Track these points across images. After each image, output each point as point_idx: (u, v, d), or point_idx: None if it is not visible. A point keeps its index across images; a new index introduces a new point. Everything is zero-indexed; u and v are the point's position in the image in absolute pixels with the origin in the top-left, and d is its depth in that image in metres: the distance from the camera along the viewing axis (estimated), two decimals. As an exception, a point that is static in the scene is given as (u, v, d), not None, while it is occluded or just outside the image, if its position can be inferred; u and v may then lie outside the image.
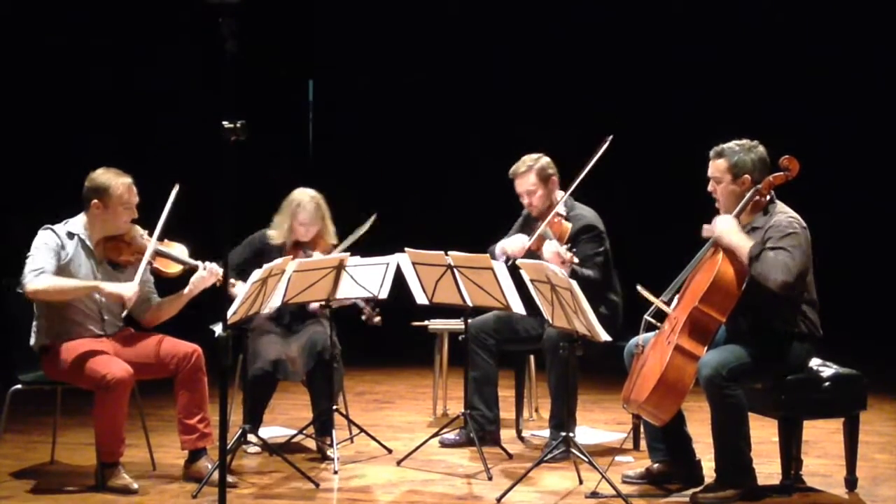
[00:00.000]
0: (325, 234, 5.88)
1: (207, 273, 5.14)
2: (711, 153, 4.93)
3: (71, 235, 5.05)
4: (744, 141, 4.90)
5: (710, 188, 4.94)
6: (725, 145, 4.90)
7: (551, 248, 5.43)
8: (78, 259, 5.04)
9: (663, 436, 5.01)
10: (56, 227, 5.05)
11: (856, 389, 4.90)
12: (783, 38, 9.41)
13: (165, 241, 5.20)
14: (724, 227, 4.77)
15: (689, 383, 4.67)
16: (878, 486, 5.06)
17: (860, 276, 9.11)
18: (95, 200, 5.04)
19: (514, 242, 5.74)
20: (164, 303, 5.26)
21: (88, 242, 5.08)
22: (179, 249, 5.22)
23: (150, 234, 5.12)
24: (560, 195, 5.80)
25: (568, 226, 5.66)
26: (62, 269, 4.97)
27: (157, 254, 5.13)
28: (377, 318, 5.69)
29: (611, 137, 5.52)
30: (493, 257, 5.52)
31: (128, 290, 4.95)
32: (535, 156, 5.80)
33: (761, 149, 4.88)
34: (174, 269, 5.18)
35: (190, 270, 5.18)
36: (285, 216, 5.83)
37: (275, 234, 5.84)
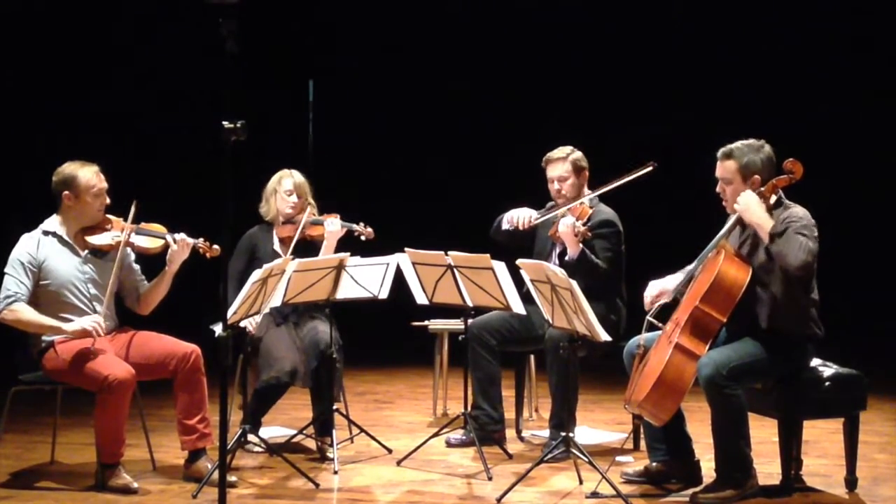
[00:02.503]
0: (307, 208, 5.91)
1: (179, 246, 5.15)
2: (719, 154, 4.88)
3: (47, 234, 5.09)
4: (751, 140, 4.86)
5: (718, 189, 4.92)
6: (733, 146, 4.86)
7: (567, 221, 5.49)
8: (56, 258, 5.06)
9: (663, 436, 5.01)
10: (31, 232, 5.10)
11: (856, 389, 4.90)
12: (784, 37, 9.43)
13: (142, 223, 5.21)
14: (749, 202, 4.72)
15: (688, 382, 4.67)
16: (878, 486, 5.06)
17: (860, 276, 9.10)
18: (66, 192, 5.08)
19: (522, 212, 5.81)
20: (151, 286, 5.28)
21: (67, 237, 5.11)
22: (157, 228, 5.24)
23: (125, 220, 5.16)
24: (587, 192, 5.83)
25: (589, 210, 5.68)
26: (40, 272, 5.01)
27: (136, 233, 5.15)
28: (369, 230, 5.82)
29: (652, 165, 5.53)
30: (499, 227, 5.66)
31: (88, 322, 4.95)
32: (570, 147, 5.84)
33: (768, 148, 4.85)
34: (155, 244, 5.18)
35: (168, 246, 5.20)
36: (270, 193, 5.93)
37: (264, 213, 5.95)
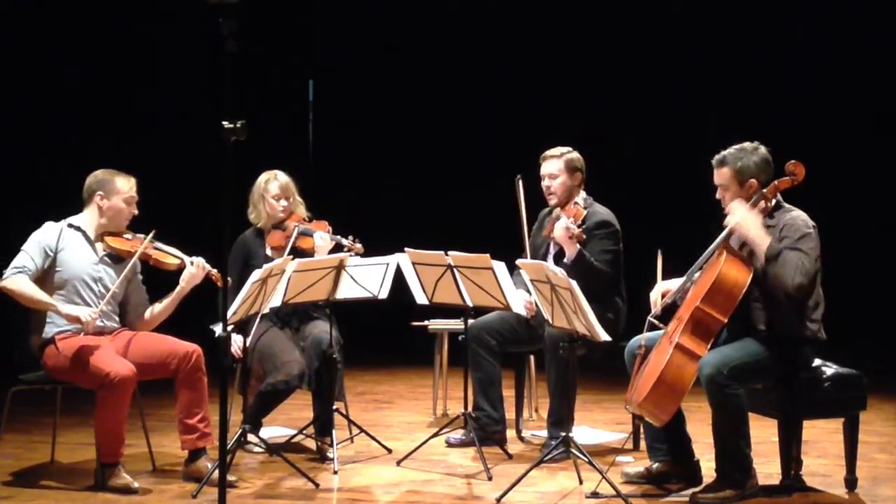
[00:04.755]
0: (296, 208, 5.90)
1: (196, 268, 5.17)
2: (714, 162, 4.89)
3: (72, 227, 5.15)
4: (744, 144, 4.87)
5: (718, 196, 4.92)
6: (726, 152, 4.86)
7: (561, 223, 5.48)
8: (74, 251, 5.10)
9: (663, 436, 5.01)
10: (57, 222, 5.14)
11: (856, 389, 4.89)
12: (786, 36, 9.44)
13: (159, 243, 5.24)
14: (745, 219, 4.72)
15: (688, 382, 4.66)
16: (878, 486, 5.06)
17: (860, 276, 9.10)
18: (99, 192, 5.16)
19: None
20: (158, 307, 5.30)
21: (91, 234, 5.16)
22: (175, 249, 5.27)
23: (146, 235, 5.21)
24: (582, 195, 5.82)
25: (584, 211, 5.67)
26: (55, 260, 5.04)
27: (154, 247, 5.19)
28: (358, 245, 5.68)
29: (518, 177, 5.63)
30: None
31: (84, 313, 4.95)
32: (568, 147, 5.83)
33: (762, 150, 4.86)
34: (171, 261, 5.21)
35: (184, 266, 5.21)
36: (258, 199, 5.88)
37: (253, 219, 5.91)
